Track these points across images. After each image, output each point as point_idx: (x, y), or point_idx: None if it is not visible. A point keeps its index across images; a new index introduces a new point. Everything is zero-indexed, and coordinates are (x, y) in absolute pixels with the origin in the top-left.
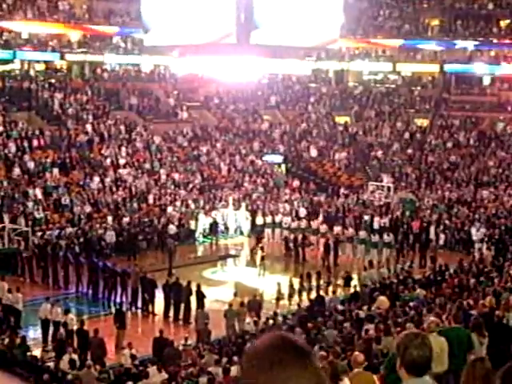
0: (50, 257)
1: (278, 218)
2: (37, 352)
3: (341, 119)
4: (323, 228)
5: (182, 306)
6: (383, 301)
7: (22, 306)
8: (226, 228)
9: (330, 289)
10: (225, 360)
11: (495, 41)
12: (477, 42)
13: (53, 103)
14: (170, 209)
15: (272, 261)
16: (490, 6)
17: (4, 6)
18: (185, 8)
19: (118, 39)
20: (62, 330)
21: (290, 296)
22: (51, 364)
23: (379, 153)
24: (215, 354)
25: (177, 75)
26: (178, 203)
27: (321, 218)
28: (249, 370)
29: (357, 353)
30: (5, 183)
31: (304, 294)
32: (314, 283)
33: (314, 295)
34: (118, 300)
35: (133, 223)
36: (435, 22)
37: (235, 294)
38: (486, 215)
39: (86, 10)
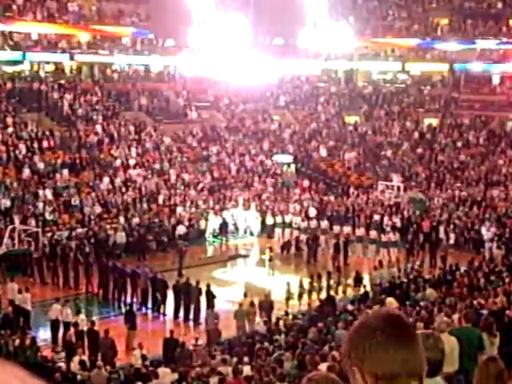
0: (60, 257)
1: (287, 218)
2: (47, 353)
3: (350, 119)
4: (334, 228)
5: (192, 306)
6: (391, 302)
7: (32, 306)
8: (236, 228)
9: (340, 289)
10: (235, 360)
11: (505, 40)
12: (486, 41)
13: (62, 104)
14: (179, 209)
15: (282, 261)
16: (500, 6)
17: (14, 7)
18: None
19: (127, 40)
20: (72, 330)
21: (300, 296)
22: (62, 365)
23: (389, 152)
24: (227, 354)
25: (186, 75)
26: (187, 203)
27: (327, 218)
28: (366, 350)
29: None
30: (15, 184)
31: (314, 294)
32: (324, 283)
33: (324, 295)
34: (128, 300)
35: (143, 224)
36: (444, 22)
37: (245, 295)
38: (497, 214)
39: (95, 11)
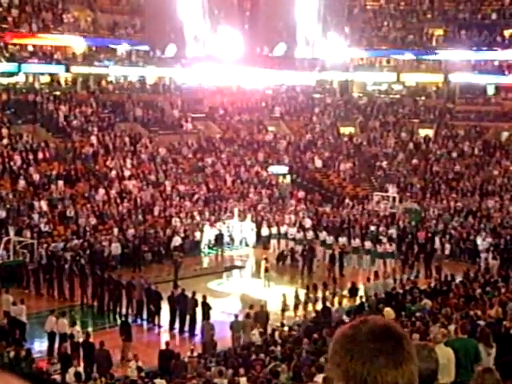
0: (55, 269)
1: (283, 229)
2: (43, 365)
3: (345, 130)
4: (329, 239)
5: (188, 317)
6: (388, 312)
7: (27, 318)
8: (232, 239)
9: (336, 300)
10: (231, 372)
11: (499, 50)
12: (481, 52)
13: (58, 116)
14: (175, 220)
15: (277, 272)
16: (494, 16)
17: (9, 18)
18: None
19: (122, 51)
20: (67, 342)
21: (296, 307)
22: (57, 377)
23: (384, 163)
24: (222, 365)
25: (181, 86)
26: (183, 215)
27: (323, 228)
28: (346, 358)
29: None
30: (10, 196)
31: (310, 305)
32: (319, 294)
33: (319, 306)
34: (123, 312)
35: (138, 235)
36: (439, 32)
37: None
38: (492, 224)
39: (90, 23)
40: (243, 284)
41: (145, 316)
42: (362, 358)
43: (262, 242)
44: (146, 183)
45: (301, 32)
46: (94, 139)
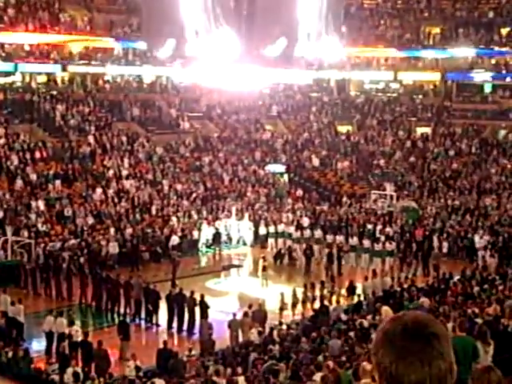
0: (53, 269)
1: (280, 228)
2: (41, 364)
3: (343, 128)
4: (328, 238)
5: (186, 316)
6: (387, 311)
7: (25, 317)
8: (229, 238)
9: (334, 298)
10: (229, 371)
11: (496, 49)
12: (478, 50)
13: (55, 115)
14: (173, 219)
15: (275, 270)
16: (491, 15)
17: (5, 18)
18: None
19: (119, 50)
20: (65, 342)
21: (294, 306)
22: (55, 376)
23: (381, 161)
24: (220, 364)
25: (179, 86)
26: (180, 214)
27: (320, 227)
28: (379, 352)
29: (365, 363)
30: (7, 195)
31: (308, 304)
32: (317, 293)
33: (317, 305)
34: (121, 311)
35: (136, 234)
36: (436, 31)
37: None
38: (489, 222)
39: (87, 22)
40: (241, 283)
41: (143, 315)
42: (391, 355)
43: (260, 240)
44: (143, 182)
45: (302, 30)
46: (91, 139)
